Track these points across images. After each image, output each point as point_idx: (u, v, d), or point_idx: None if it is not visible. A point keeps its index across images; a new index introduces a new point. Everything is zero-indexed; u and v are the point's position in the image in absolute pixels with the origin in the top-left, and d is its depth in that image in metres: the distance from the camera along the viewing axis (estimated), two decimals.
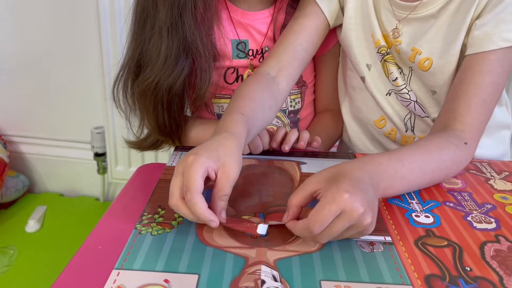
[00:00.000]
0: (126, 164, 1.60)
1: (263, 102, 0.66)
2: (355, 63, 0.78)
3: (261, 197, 0.59)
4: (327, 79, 0.89)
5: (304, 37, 0.74)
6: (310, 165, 0.69)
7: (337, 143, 0.93)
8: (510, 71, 0.65)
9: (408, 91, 0.74)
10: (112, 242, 0.49)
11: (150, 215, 0.54)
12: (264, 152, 0.72)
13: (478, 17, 0.65)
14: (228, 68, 0.82)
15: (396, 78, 0.74)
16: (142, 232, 0.51)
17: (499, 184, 0.64)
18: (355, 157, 0.72)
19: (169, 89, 0.74)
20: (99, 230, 0.52)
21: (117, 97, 0.80)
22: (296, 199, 0.50)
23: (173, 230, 0.51)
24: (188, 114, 0.85)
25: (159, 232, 0.51)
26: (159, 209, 0.55)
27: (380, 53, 0.75)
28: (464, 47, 0.67)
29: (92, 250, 0.48)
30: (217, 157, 0.51)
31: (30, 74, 1.66)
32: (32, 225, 1.55)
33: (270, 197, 0.59)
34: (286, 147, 0.70)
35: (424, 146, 0.59)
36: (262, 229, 0.49)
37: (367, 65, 0.77)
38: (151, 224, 0.52)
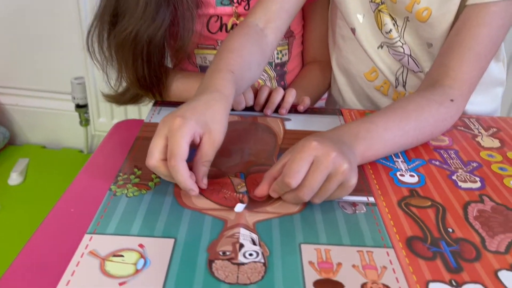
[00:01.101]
0: (108, 116, 1.56)
1: (252, 59, 0.62)
2: (345, 13, 0.73)
3: (243, 156, 0.57)
4: (316, 29, 0.84)
5: None
6: (294, 122, 0.66)
7: (325, 95, 0.91)
8: (510, 25, 0.62)
9: (402, 44, 0.71)
10: (85, 205, 0.47)
11: (125, 176, 0.52)
12: (248, 108, 0.69)
13: None
14: (212, 17, 0.77)
15: (390, 30, 0.70)
16: (117, 193, 0.49)
17: (486, 141, 0.63)
18: (341, 114, 0.70)
19: (150, 40, 0.70)
20: (72, 191, 0.50)
21: (92, 48, 0.76)
22: (271, 172, 0.49)
23: (150, 191, 0.49)
24: (169, 66, 0.81)
25: (134, 193, 0.49)
26: (136, 169, 0.53)
27: (374, 2, 0.70)
28: None
29: (64, 213, 0.46)
30: (204, 121, 0.49)
31: (8, 24, 1.57)
32: (14, 178, 1.53)
33: (252, 156, 0.57)
34: (269, 112, 0.67)
35: (401, 107, 0.57)
36: (239, 208, 0.47)
37: (359, 15, 0.73)
38: (127, 185, 0.50)
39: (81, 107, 1.59)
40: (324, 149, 0.45)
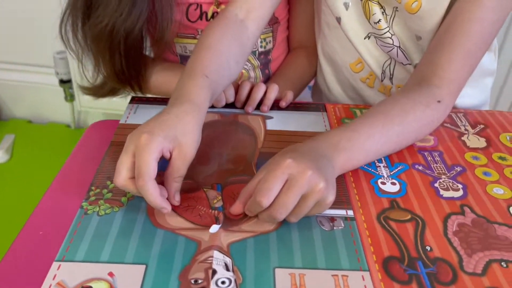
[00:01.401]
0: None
1: (230, 56, 0.59)
2: (330, 1, 0.69)
3: (221, 163, 0.55)
4: (303, 13, 0.80)
5: None
6: (276, 120, 0.64)
7: (312, 82, 0.88)
8: (504, 20, 0.58)
9: (392, 35, 0.67)
10: (55, 224, 0.46)
11: (98, 190, 0.50)
12: (229, 104, 0.67)
13: None
14: (191, 4, 0.73)
15: (379, 21, 0.67)
16: (88, 211, 0.47)
17: (472, 140, 0.61)
18: (325, 109, 0.67)
19: (127, 35, 0.66)
20: (43, 208, 0.49)
21: (65, 37, 0.72)
22: (247, 189, 0.47)
23: (122, 208, 0.48)
24: (148, 55, 0.78)
25: (106, 211, 0.47)
26: (108, 182, 0.51)
27: None
28: None
29: (33, 237, 0.45)
30: (174, 136, 0.47)
31: None
32: (0, 156, 1.51)
33: (230, 163, 0.55)
34: (250, 109, 0.65)
35: (384, 111, 0.54)
36: (214, 229, 0.46)
37: (345, 4, 0.69)
38: (99, 202, 0.49)
39: (65, 82, 1.55)
40: (299, 167, 0.44)
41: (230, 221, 0.47)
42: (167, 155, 0.47)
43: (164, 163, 0.48)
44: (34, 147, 1.61)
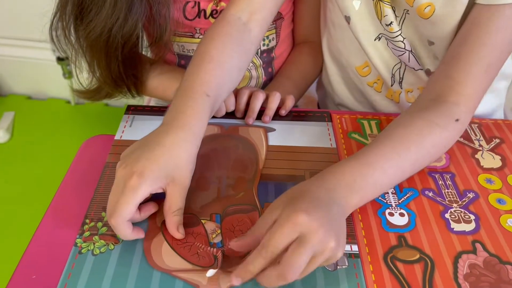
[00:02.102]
0: (86, 74, 1.47)
1: (232, 66, 0.56)
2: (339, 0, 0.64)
3: (220, 188, 0.53)
4: (308, 7, 0.75)
5: None
6: (278, 133, 0.61)
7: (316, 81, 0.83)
8: None
9: (403, 38, 0.63)
10: (49, 267, 0.44)
11: (92, 223, 0.48)
12: (229, 113, 0.63)
13: None
14: (188, 2, 0.68)
15: (391, 23, 0.62)
16: (82, 250, 0.45)
17: (487, 159, 0.58)
18: (330, 118, 0.64)
19: (125, 41, 0.62)
20: (35, 246, 0.47)
21: (56, 39, 0.67)
22: (253, 231, 0.43)
23: (118, 246, 0.46)
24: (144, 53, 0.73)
25: (101, 250, 0.45)
26: (103, 213, 0.49)
27: None
28: None
29: (25, 281, 0.43)
30: (165, 174, 0.45)
31: None
32: (1, 136, 1.49)
33: (230, 189, 0.53)
34: (250, 121, 0.61)
35: (400, 137, 0.50)
36: (211, 273, 0.44)
37: (355, 2, 0.63)
38: (93, 238, 0.46)
39: (63, 60, 1.50)
40: (312, 225, 0.39)
41: (229, 261, 0.45)
42: (160, 191, 0.45)
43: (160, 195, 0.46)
44: (34, 124, 1.59)
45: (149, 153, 0.46)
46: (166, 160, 0.46)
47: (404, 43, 0.63)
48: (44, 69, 1.63)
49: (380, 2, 0.61)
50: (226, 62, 0.55)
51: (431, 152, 0.52)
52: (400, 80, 0.68)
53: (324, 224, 0.40)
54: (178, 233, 0.46)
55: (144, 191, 0.44)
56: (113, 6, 0.59)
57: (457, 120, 0.53)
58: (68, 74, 1.55)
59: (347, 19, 0.66)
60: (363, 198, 0.47)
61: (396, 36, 0.63)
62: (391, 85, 0.69)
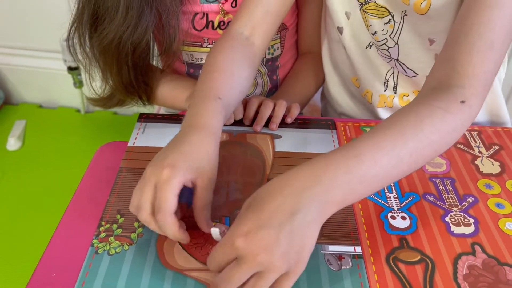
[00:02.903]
0: (99, 82, 1.51)
1: (241, 76, 0.58)
2: (332, 11, 0.67)
3: (229, 192, 0.55)
4: (311, 19, 0.78)
5: None
6: (285, 140, 0.63)
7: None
8: None
9: (388, 47, 0.65)
10: (67, 266, 0.47)
11: (108, 225, 0.50)
12: (237, 121, 0.66)
13: None
14: (197, 13, 0.71)
15: (375, 32, 0.65)
16: (99, 250, 0.48)
17: (486, 165, 0.60)
18: (335, 126, 0.66)
19: (134, 47, 0.65)
20: (54, 247, 0.49)
21: (73, 49, 0.71)
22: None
23: (132, 246, 0.48)
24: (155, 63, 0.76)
25: (117, 250, 0.48)
26: (118, 216, 0.52)
27: (358, 1, 0.64)
28: None
29: (45, 280, 0.45)
30: (195, 167, 0.46)
31: None
32: (12, 144, 1.53)
33: (239, 193, 0.55)
34: (258, 128, 0.63)
35: (395, 124, 0.45)
36: (215, 233, 0.46)
37: (346, 13, 0.66)
38: (109, 239, 0.49)
39: (74, 69, 1.53)
40: (250, 249, 0.38)
41: None
42: (189, 184, 0.47)
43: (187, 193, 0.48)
44: (45, 132, 1.62)
45: (177, 149, 0.47)
46: (194, 154, 0.47)
47: (389, 52, 0.66)
48: (55, 79, 1.67)
49: (365, 13, 0.65)
50: (234, 72, 0.58)
51: (432, 139, 0.45)
52: (395, 85, 0.70)
53: (268, 245, 0.38)
54: (207, 227, 0.47)
55: (178, 182, 0.44)
56: (124, 15, 0.62)
57: (462, 101, 0.48)
58: (78, 84, 1.59)
59: (340, 30, 0.69)
60: (349, 195, 0.42)
61: (381, 45, 0.66)
62: (384, 91, 0.71)
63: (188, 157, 0.47)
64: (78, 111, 1.72)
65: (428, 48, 0.65)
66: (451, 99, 0.48)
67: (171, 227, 0.44)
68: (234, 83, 0.57)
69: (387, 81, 0.71)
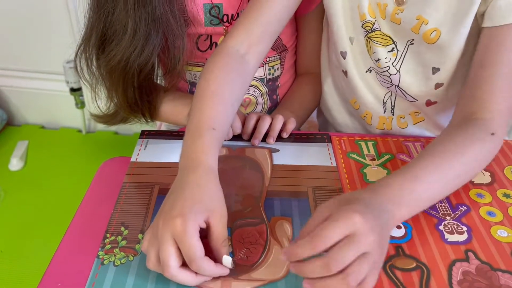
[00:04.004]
0: (103, 101, 1.54)
1: (233, 98, 0.59)
2: (337, 36, 0.69)
3: (230, 204, 0.57)
4: (310, 41, 0.81)
5: (278, 6, 0.63)
6: (283, 153, 0.66)
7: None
8: None
9: (390, 74, 0.67)
10: (74, 277, 0.48)
11: (113, 237, 0.52)
12: (235, 136, 0.68)
13: None
14: (201, 35, 0.74)
15: (378, 59, 0.67)
16: (104, 262, 0.49)
17: (477, 175, 0.62)
18: (330, 140, 0.68)
19: (141, 69, 0.68)
20: (60, 258, 0.51)
21: (80, 68, 0.73)
22: (308, 229, 0.44)
23: (137, 257, 0.50)
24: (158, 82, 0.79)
25: (122, 261, 0.49)
26: (122, 228, 0.53)
27: (364, 28, 0.66)
28: (480, 18, 0.59)
29: None
30: (204, 208, 0.47)
31: None
32: (15, 164, 1.55)
33: (239, 204, 0.57)
34: (256, 142, 0.66)
35: (444, 151, 0.53)
36: (226, 261, 0.47)
37: (350, 38, 0.69)
38: (114, 250, 0.51)
39: (76, 90, 1.57)
40: (365, 227, 0.42)
41: (240, 269, 0.49)
42: (204, 226, 0.47)
43: None
44: (47, 152, 1.64)
45: (180, 196, 0.48)
46: (199, 195, 0.48)
47: (390, 79, 0.68)
48: (57, 100, 1.70)
49: (370, 40, 0.67)
50: (228, 95, 0.59)
51: (474, 166, 0.55)
52: (392, 107, 0.73)
53: (375, 229, 0.43)
54: (229, 265, 0.47)
55: (194, 227, 0.44)
56: (132, 37, 0.65)
57: (492, 134, 0.56)
58: (80, 104, 1.62)
59: (343, 54, 0.71)
60: (411, 212, 0.50)
61: (383, 72, 0.68)
62: (383, 112, 0.74)
63: (194, 202, 0.47)
64: (80, 131, 1.75)
65: (430, 77, 0.67)
66: (483, 131, 0.56)
67: (209, 270, 0.45)
68: (228, 109, 0.58)
69: (385, 103, 0.73)
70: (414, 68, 0.67)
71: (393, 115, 0.74)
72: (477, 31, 0.61)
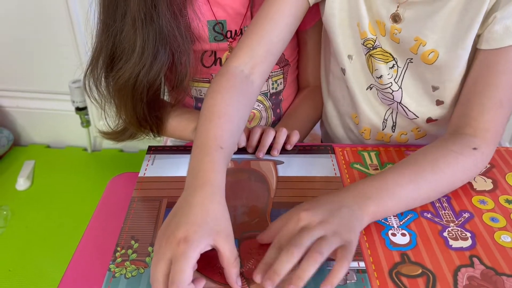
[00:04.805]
0: (111, 118, 1.56)
1: (239, 117, 0.60)
2: (336, 53, 0.71)
3: (236, 216, 0.58)
4: (311, 55, 0.83)
5: (280, 26, 0.65)
6: (287, 165, 0.67)
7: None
8: None
9: (393, 91, 0.68)
10: None
11: (123, 251, 0.53)
12: (241, 149, 0.70)
13: (496, 8, 0.57)
14: (205, 51, 0.76)
15: (381, 76, 0.68)
16: (116, 275, 0.50)
17: (479, 182, 0.63)
18: (333, 151, 0.70)
19: (149, 85, 0.69)
20: (73, 272, 0.52)
21: (89, 87, 0.75)
22: (265, 237, 0.52)
23: (147, 269, 0.51)
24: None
25: (133, 274, 0.50)
26: (133, 241, 0.54)
27: (365, 46, 0.67)
28: (477, 38, 0.60)
29: None
30: (209, 230, 0.47)
31: (5, 28, 1.55)
32: (22, 184, 1.56)
33: (246, 216, 0.58)
34: (261, 155, 0.67)
35: (415, 160, 0.56)
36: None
37: (349, 56, 0.70)
38: (125, 263, 0.52)
39: (81, 110, 1.59)
40: (313, 219, 0.48)
41: (248, 279, 0.49)
42: (208, 248, 0.47)
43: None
44: (53, 171, 1.66)
45: (186, 217, 0.48)
46: (204, 217, 0.47)
47: (393, 95, 0.69)
48: (63, 119, 1.72)
49: (371, 57, 0.68)
50: (234, 115, 0.59)
51: (447, 173, 0.56)
52: (393, 124, 0.74)
53: (325, 220, 0.48)
54: (236, 284, 0.47)
55: (193, 253, 0.45)
56: (140, 55, 0.67)
57: (474, 148, 0.57)
58: (86, 123, 1.64)
59: (343, 71, 0.72)
60: (381, 205, 0.53)
61: (386, 88, 0.69)
62: (382, 129, 0.75)
63: (198, 224, 0.47)
64: (85, 150, 1.77)
65: (431, 94, 0.68)
66: (464, 145, 0.58)
67: None
68: (234, 128, 0.59)
69: (386, 121, 0.74)
70: (414, 83, 0.68)
71: (393, 132, 0.74)
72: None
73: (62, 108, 1.69)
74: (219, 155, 0.54)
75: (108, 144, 1.75)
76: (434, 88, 0.67)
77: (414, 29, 0.63)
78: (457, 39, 0.61)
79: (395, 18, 0.64)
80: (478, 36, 0.60)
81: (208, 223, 0.47)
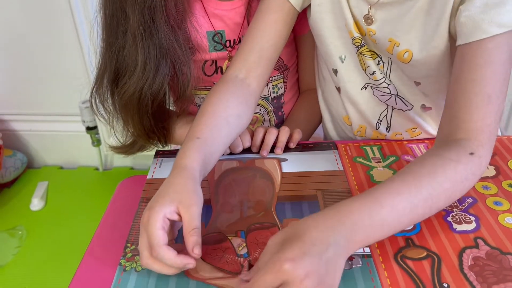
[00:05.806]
0: (120, 133, 1.59)
1: (228, 113, 0.63)
2: (327, 55, 0.72)
3: (242, 210, 0.59)
4: (309, 59, 0.85)
5: (270, 33, 0.68)
6: (290, 162, 0.68)
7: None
8: None
9: (388, 84, 0.70)
10: (98, 283, 0.50)
11: (133, 246, 0.55)
12: (245, 150, 0.71)
13: (462, 2, 0.56)
14: (206, 61, 0.78)
15: (374, 72, 0.69)
16: (126, 268, 0.52)
17: None
18: (336, 147, 0.71)
19: (154, 97, 0.72)
20: (84, 269, 0.53)
21: (95, 105, 0.78)
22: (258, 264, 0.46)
23: None
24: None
25: (143, 267, 0.52)
26: None
27: (354, 45, 0.69)
28: (452, 33, 0.59)
29: None
30: (171, 199, 0.50)
31: (11, 53, 1.60)
32: (36, 204, 1.59)
33: (252, 210, 0.59)
34: (264, 153, 0.69)
35: (411, 173, 0.50)
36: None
37: (340, 57, 0.72)
38: (135, 258, 0.53)
39: (92, 129, 1.63)
40: (297, 274, 0.42)
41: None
42: (175, 216, 0.50)
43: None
44: (66, 191, 1.69)
45: (156, 195, 0.52)
46: (166, 190, 0.52)
47: (389, 89, 0.70)
48: (74, 140, 1.76)
49: (361, 55, 0.69)
50: (220, 111, 0.62)
51: (446, 187, 0.51)
52: (388, 125, 0.74)
53: (311, 272, 0.42)
54: (193, 253, 0.48)
55: (158, 217, 0.48)
56: (143, 69, 0.69)
57: (471, 153, 0.52)
58: (96, 142, 1.67)
59: (335, 72, 0.73)
60: (369, 237, 0.47)
61: (381, 83, 0.70)
62: (377, 128, 0.75)
63: (161, 196, 0.51)
64: (97, 169, 1.80)
65: (415, 87, 0.69)
66: (461, 151, 0.53)
67: (168, 256, 0.47)
68: (218, 122, 0.61)
69: (380, 121, 0.75)
70: (400, 77, 0.69)
71: (388, 132, 0.75)
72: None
73: (73, 129, 1.73)
74: (193, 144, 0.57)
75: (118, 162, 1.77)
76: (417, 83, 0.68)
77: (387, 30, 0.64)
78: (428, 37, 0.61)
79: (368, 20, 0.65)
80: (454, 32, 0.58)
81: (169, 194, 0.51)
